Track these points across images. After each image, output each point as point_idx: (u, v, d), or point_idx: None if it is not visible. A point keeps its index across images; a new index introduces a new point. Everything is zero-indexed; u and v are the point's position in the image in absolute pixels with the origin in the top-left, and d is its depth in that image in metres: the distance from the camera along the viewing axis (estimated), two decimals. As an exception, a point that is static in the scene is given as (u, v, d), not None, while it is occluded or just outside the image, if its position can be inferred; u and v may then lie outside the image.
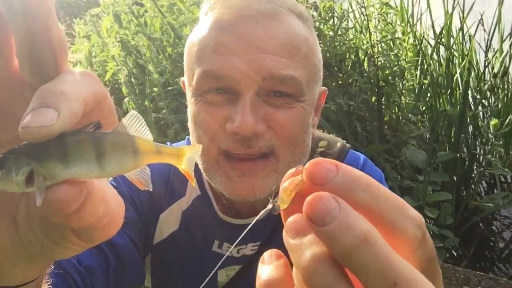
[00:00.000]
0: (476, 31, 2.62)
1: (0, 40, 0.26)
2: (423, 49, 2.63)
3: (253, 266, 0.74)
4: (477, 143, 2.57)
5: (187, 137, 0.83)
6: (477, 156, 2.52)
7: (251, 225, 0.30)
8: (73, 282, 0.59)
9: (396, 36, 2.65)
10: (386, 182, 0.82)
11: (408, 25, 2.82)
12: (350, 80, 2.33)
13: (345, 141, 0.82)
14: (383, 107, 2.41)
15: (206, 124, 0.63)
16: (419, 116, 2.67)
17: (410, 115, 2.47)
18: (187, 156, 0.27)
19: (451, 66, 2.60)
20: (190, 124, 0.69)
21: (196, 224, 0.75)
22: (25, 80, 0.26)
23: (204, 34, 0.63)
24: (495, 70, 2.67)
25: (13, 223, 0.29)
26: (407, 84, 2.53)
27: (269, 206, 0.27)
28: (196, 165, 0.77)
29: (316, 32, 2.52)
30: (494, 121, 2.18)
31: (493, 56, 2.72)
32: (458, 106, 2.41)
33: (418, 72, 2.71)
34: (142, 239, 0.73)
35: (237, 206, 0.74)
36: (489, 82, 2.63)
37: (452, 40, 2.65)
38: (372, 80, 2.33)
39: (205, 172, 0.67)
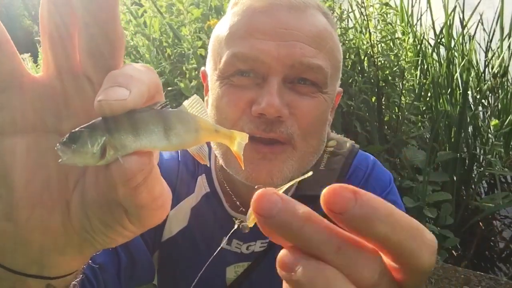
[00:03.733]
0: (476, 31, 2.62)
1: (65, 34, 0.28)
2: (423, 49, 2.63)
3: (262, 262, 0.74)
4: (477, 143, 2.57)
5: None
6: (477, 156, 2.51)
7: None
8: (86, 279, 0.59)
9: (396, 36, 2.65)
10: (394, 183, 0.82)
11: (408, 25, 2.82)
12: (350, 80, 2.33)
13: (353, 142, 0.82)
14: (383, 107, 2.40)
15: (229, 107, 0.63)
16: (419, 116, 2.67)
17: (410, 115, 2.47)
18: (238, 139, 0.29)
19: (451, 66, 2.60)
20: (210, 110, 0.68)
21: (205, 220, 0.75)
22: (83, 72, 0.28)
23: (235, 20, 0.64)
24: (495, 70, 2.67)
25: (67, 210, 0.30)
26: (407, 84, 2.52)
27: (236, 226, 0.28)
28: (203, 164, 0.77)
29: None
30: (494, 121, 2.18)
31: (492, 56, 2.72)
32: (458, 106, 2.41)
33: (418, 72, 2.70)
34: (151, 237, 0.73)
35: (247, 202, 0.74)
36: (489, 82, 2.63)
37: (452, 40, 2.65)
38: (372, 80, 2.33)
39: (224, 157, 0.66)
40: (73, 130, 0.26)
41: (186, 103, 0.28)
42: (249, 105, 0.62)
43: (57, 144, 0.26)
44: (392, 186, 0.80)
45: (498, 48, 2.74)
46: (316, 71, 0.62)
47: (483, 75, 2.68)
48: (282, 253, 0.23)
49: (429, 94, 2.66)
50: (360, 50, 2.40)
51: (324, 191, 0.22)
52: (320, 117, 0.65)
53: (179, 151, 0.77)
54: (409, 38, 2.61)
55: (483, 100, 2.70)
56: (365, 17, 2.41)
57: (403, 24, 2.83)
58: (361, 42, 2.48)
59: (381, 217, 0.21)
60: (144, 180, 0.27)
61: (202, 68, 0.76)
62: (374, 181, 0.78)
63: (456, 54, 2.69)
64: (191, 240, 0.75)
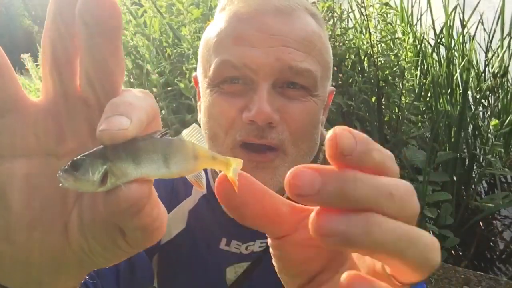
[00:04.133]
0: (476, 31, 2.62)
1: (67, 61, 0.29)
2: (423, 49, 2.63)
3: (261, 262, 0.74)
4: (477, 143, 2.57)
5: None
6: (477, 156, 2.51)
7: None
8: (84, 285, 0.59)
9: (396, 36, 2.65)
10: None
11: (408, 25, 2.82)
12: (350, 80, 2.33)
13: None
14: (383, 107, 2.40)
15: (221, 115, 0.64)
16: (419, 116, 2.67)
17: (410, 115, 2.47)
18: (233, 166, 0.29)
19: (451, 66, 2.60)
20: (202, 118, 0.69)
21: (203, 222, 0.75)
22: (82, 97, 0.29)
23: (223, 26, 0.64)
24: (495, 70, 2.67)
25: (65, 231, 0.31)
26: (407, 84, 2.52)
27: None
28: None
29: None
30: (494, 121, 2.18)
31: (492, 56, 2.72)
32: (458, 106, 2.41)
33: (418, 72, 2.70)
34: None
35: None
36: (489, 82, 2.63)
37: (452, 40, 2.65)
38: (372, 80, 2.33)
39: None
40: (74, 158, 0.27)
41: (184, 132, 0.29)
42: (240, 112, 0.62)
43: (59, 172, 0.27)
44: None
45: (498, 48, 2.74)
46: (305, 75, 0.62)
47: (483, 75, 2.68)
48: (325, 218, 0.22)
49: (429, 94, 2.66)
50: (360, 50, 2.40)
51: (329, 137, 0.23)
52: (311, 121, 0.65)
53: None
54: (409, 38, 2.61)
55: (483, 100, 2.70)
56: (365, 17, 2.41)
57: (403, 24, 2.83)
58: (361, 42, 2.48)
59: (375, 147, 0.23)
60: (143, 206, 0.28)
61: (194, 73, 0.76)
62: None
63: (456, 54, 2.69)
64: (190, 242, 0.76)
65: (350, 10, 2.61)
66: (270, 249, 0.32)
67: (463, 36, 2.64)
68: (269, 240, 0.32)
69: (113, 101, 0.27)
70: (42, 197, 0.30)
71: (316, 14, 0.69)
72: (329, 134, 0.22)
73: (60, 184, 0.27)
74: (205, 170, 0.76)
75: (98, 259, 0.32)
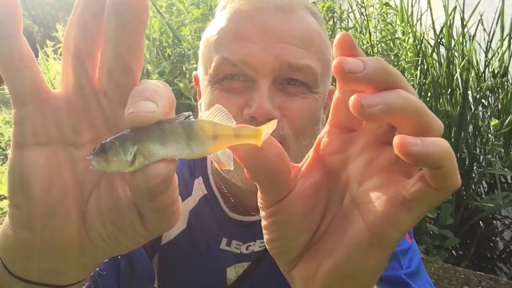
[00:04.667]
0: (476, 31, 2.61)
1: (89, 54, 0.30)
2: (423, 49, 2.63)
3: (262, 262, 0.75)
4: (477, 143, 2.57)
5: None
6: (477, 156, 2.51)
7: None
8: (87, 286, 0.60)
9: (396, 36, 2.65)
10: None
11: (408, 25, 2.82)
12: (350, 80, 2.32)
13: None
14: (383, 107, 2.40)
15: None
16: (419, 116, 2.66)
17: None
18: (265, 133, 0.31)
19: (451, 66, 2.60)
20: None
21: (204, 222, 0.75)
22: (101, 88, 0.30)
23: (223, 24, 0.65)
24: (495, 70, 2.67)
25: (81, 218, 0.32)
26: (407, 84, 2.51)
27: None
28: (203, 167, 0.77)
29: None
30: (494, 121, 2.17)
31: (492, 56, 2.72)
32: (458, 106, 2.41)
33: (418, 72, 2.70)
34: (150, 241, 0.73)
35: (244, 203, 0.74)
36: (489, 82, 2.63)
37: (452, 40, 2.65)
38: (372, 80, 2.32)
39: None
40: (103, 142, 0.28)
41: (207, 112, 0.30)
42: (241, 109, 0.62)
43: (89, 155, 0.28)
44: None
45: (498, 48, 2.74)
46: (305, 71, 0.62)
47: (483, 75, 2.68)
48: (368, 95, 0.26)
49: (429, 94, 2.65)
50: (360, 50, 2.39)
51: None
52: (311, 118, 0.66)
53: None
54: (409, 38, 2.61)
55: (483, 100, 2.70)
56: (365, 17, 2.41)
57: (403, 24, 2.83)
58: (361, 42, 2.48)
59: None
60: (168, 185, 0.29)
61: (194, 73, 0.76)
62: None
63: (456, 54, 2.69)
64: (191, 242, 0.76)
65: (350, 10, 2.61)
66: (267, 221, 0.34)
67: (463, 36, 2.64)
68: (265, 212, 0.34)
69: (138, 88, 0.28)
70: (61, 185, 0.31)
71: (316, 13, 0.69)
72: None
73: (91, 168, 0.28)
74: (205, 171, 0.76)
75: (114, 244, 0.33)
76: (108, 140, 0.28)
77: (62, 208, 0.31)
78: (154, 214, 0.31)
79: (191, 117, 0.30)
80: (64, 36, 0.31)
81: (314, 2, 2.26)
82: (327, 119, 0.35)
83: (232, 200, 0.74)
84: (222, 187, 0.74)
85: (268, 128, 0.30)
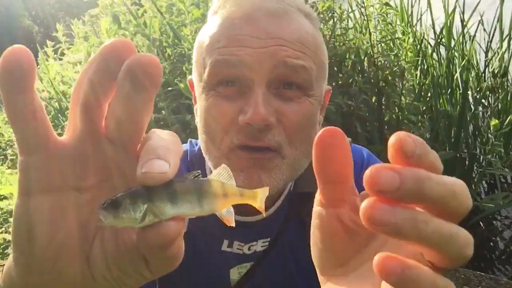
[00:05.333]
0: (476, 31, 2.62)
1: (100, 104, 0.31)
2: (423, 49, 2.63)
3: (264, 261, 0.75)
4: (477, 143, 2.57)
5: (190, 140, 0.82)
6: (477, 156, 2.51)
7: None
8: None
9: (396, 36, 2.65)
10: None
11: (408, 25, 2.82)
12: (350, 80, 2.33)
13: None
14: (383, 107, 2.40)
15: (218, 119, 0.64)
16: (419, 116, 2.67)
17: (410, 115, 2.47)
18: (260, 197, 0.34)
19: (451, 66, 2.60)
20: (199, 122, 0.69)
21: (204, 226, 0.75)
22: (107, 136, 0.31)
23: (215, 30, 0.64)
24: (495, 70, 2.67)
25: (86, 261, 0.33)
26: (407, 84, 2.52)
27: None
28: (202, 171, 0.77)
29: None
30: (494, 121, 2.18)
31: (492, 56, 2.72)
32: (458, 106, 2.41)
33: (418, 72, 2.70)
34: None
35: (244, 204, 0.74)
36: (489, 82, 2.63)
37: (452, 40, 2.65)
38: (372, 80, 2.33)
39: (215, 167, 0.67)
40: (113, 197, 0.29)
41: (214, 172, 0.33)
42: (236, 115, 0.62)
43: (98, 209, 0.29)
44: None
45: (498, 48, 2.74)
46: (300, 71, 0.62)
47: (483, 75, 2.68)
48: (378, 210, 0.24)
49: (429, 94, 2.65)
50: (360, 50, 2.40)
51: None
52: (307, 122, 0.66)
53: None
54: (409, 38, 2.61)
55: (483, 100, 2.70)
56: (365, 17, 2.41)
57: (403, 24, 2.83)
58: (361, 42, 2.48)
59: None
60: (176, 240, 0.30)
61: (189, 77, 0.75)
62: None
63: (456, 54, 2.69)
64: (192, 247, 0.76)
65: (350, 10, 2.60)
66: (317, 219, 0.35)
67: (463, 36, 2.64)
68: (318, 209, 0.35)
69: (151, 144, 0.30)
70: (66, 229, 0.32)
71: (310, 14, 0.69)
72: (392, 139, 0.25)
73: (99, 223, 0.29)
74: (205, 174, 0.76)
75: (119, 285, 0.34)
76: (118, 195, 0.29)
77: (67, 251, 0.32)
78: (161, 262, 0.32)
79: (200, 175, 0.32)
80: (75, 87, 0.32)
81: (314, 2, 2.26)
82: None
83: None
84: None
85: (263, 192, 0.35)
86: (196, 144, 0.81)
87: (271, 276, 0.75)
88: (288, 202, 0.75)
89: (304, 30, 0.65)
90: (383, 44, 2.50)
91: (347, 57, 2.40)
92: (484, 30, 2.69)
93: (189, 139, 0.81)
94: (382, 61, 2.43)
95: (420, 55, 2.63)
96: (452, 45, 2.63)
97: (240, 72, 0.61)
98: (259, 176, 0.63)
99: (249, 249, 0.75)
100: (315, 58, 0.65)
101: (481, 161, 2.54)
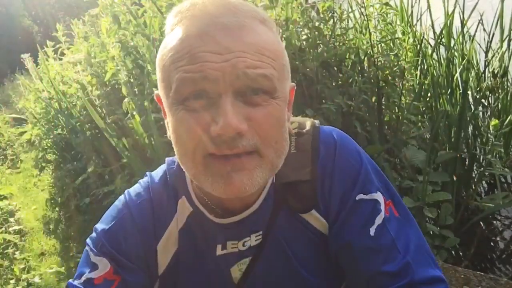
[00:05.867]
0: (476, 31, 2.62)
1: None
2: (423, 49, 2.63)
3: (261, 254, 0.77)
4: (477, 143, 2.57)
5: (167, 159, 0.84)
6: (477, 156, 2.52)
7: None
8: None
9: (396, 36, 2.65)
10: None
11: (408, 25, 2.82)
12: (350, 80, 2.33)
13: (312, 119, 0.85)
14: (383, 107, 2.41)
15: (189, 132, 0.65)
16: (419, 116, 2.67)
17: (410, 115, 2.47)
18: None
19: (451, 66, 2.60)
20: (172, 136, 0.70)
21: (195, 237, 0.78)
22: None
23: (177, 48, 0.65)
24: (495, 70, 2.67)
25: None
26: (407, 84, 2.52)
27: None
28: (184, 188, 0.79)
29: (316, 32, 2.48)
30: (494, 121, 2.18)
31: (492, 56, 2.72)
32: (458, 106, 2.41)
33: (418, 72, 2.70)
34: (149, 275, 0.78)
35: (229, 207, 0.76)
36: (489, 82, 2.63)
37: (452, 40, 2.65)
38: (372, 80, 2.33)
39: (195, 178, 0.69)
40: None
41: None
42: (208, 127, 0.63)
43: None
44: (364, 160, 0.80)
45: (498, 48, 2.74)
46: (261, 80, 0.64)
47: (483, 75, 2.68)
48: None
49: (429, 94, 2.66)
50: (360, 50, 2.40)
51: None
52: (277, 122, 0.67)
53: (149, 190, 0.80)
54: (409, 38, 2.61)
55: (483, 100, 2.70)
56: (365, 17, 2.42)
57: (403, 24, 2.83)
58: (361, 42, 2.48)
59: None
60: None
61: (156, 92, 0.76)
62: (342, 162, 0.78)
63: (456, 54, 2.69)
64: (187, 260, 0.78)
65: (350, 10, 2.60)
66: None
67: (463, 36, 2.64)
68: None
69: None
70: None
71: (266, 20, 0.70)
72: None
73: None
74: (187, 190, 0.78)
75: None
76: None
77: None
78: None
79: None
80: None
81: (314, 2, 2.26)
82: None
83: (218, 210, 0.76)
84: (206, 199, 0.77)
85: None
86: (174, 162, 0.82)
87: (272, 267, 0.77)
88: (275, 192, 0.77)
89: (261, 39, 0.66)
90: (383, 44, 2.50)
91: (347, 57, 2.40)
92: (484, 30, 2.69)
93: (167, 159, 0.83)
94: (382, 61, 2.43)
95: (420, 55, 2.63)
96: (452, 45, 2.63)
97: (207, 86, 0.63)
98: (240, 179, 0.64)
99: (243, 245, 0.77)
100: (275, 64, 0.67)
101: (481, 161, 2.54)
